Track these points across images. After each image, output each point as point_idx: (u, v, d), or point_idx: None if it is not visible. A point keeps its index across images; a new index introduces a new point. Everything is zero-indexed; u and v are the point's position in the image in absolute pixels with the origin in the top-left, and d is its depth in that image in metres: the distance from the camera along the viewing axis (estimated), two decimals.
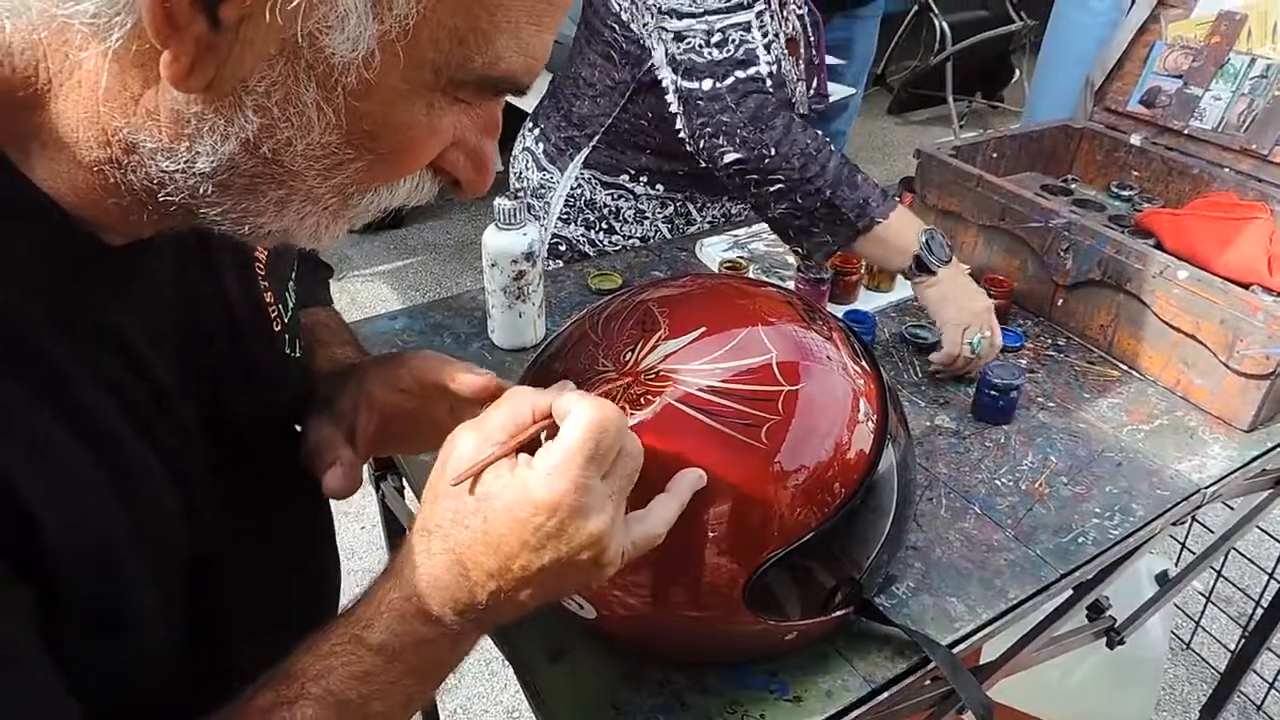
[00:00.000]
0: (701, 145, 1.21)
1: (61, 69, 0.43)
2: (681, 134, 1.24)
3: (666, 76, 1.23)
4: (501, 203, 1.08)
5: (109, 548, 0.49)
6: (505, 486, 0.53)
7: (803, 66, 1.40)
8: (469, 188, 0.53)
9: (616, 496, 0.54)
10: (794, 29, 1.38)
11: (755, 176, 1.19)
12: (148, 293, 0.54)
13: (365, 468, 1.30)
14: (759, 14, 1.23)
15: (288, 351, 0.69)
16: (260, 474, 0.65)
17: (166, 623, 0.54)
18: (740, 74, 1.18)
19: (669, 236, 1.51)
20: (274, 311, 0.68)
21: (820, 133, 1.20)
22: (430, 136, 0.48)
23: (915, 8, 4.63)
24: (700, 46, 1.18)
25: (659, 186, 1.44)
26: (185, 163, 0.45)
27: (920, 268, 1.16)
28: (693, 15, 1.18)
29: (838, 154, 1.19)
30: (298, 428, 0.70)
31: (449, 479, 0.54)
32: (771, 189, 1.19)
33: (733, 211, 1.55)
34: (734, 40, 1.18)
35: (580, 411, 0.53)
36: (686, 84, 1.20)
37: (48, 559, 0.45)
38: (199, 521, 0.57)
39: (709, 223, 1.53)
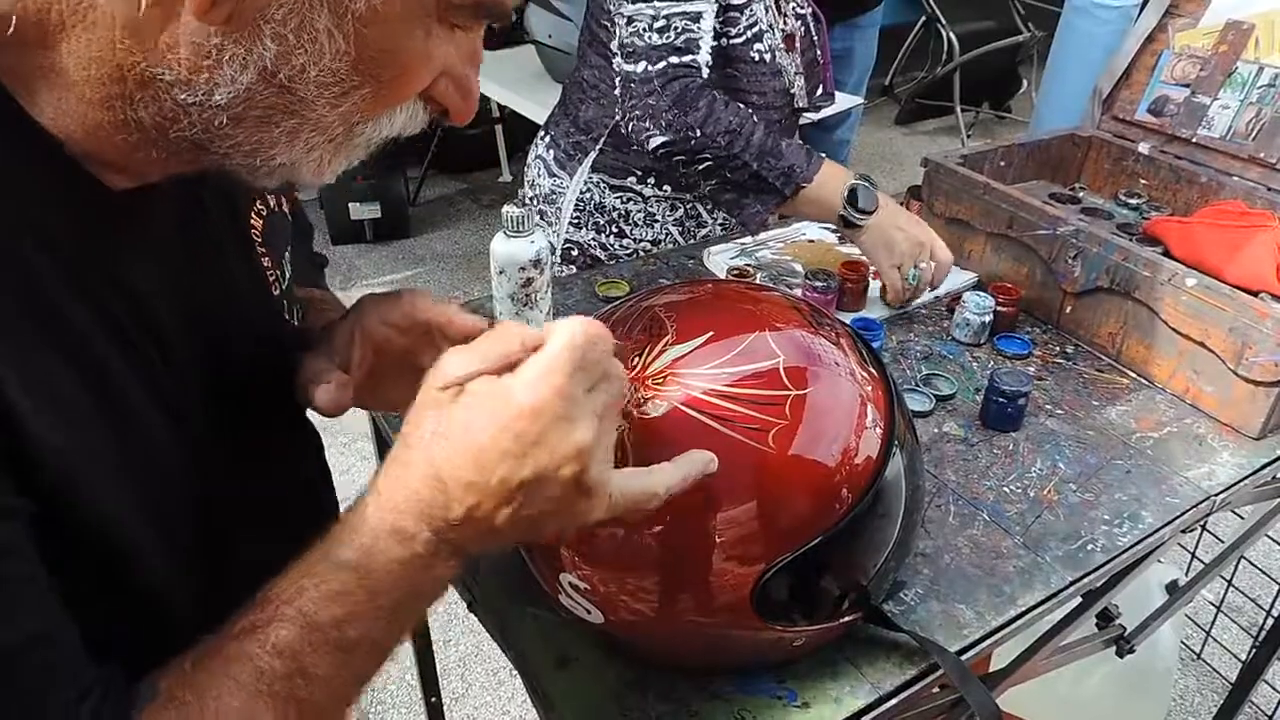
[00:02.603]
0: (630, 128, 1.26)
1: (76, 9, 0.45)
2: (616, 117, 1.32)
3: (616, 62, 1.27)
4: (509, 210, 1.09)
5: (95, 472, 0.50)
6: (488, 395, 0.51)
7: (802, 64, 1.42)
8: (456, 115, 0.57)
9: (603, 414, 0.53)
10: (793, 27, 1.41)
11: (683, 157, 1.25)
12: (150, 239, 0.56)
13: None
14: (747, 5, 1.27)
15: (286, 316, 0.71)
16: (259, 426, 0.66)
17: (164, 560, 0.55)
18: (674, 59, 1.22)
19: (680, 240, 1.51)
20: (272, 275, 0.69)
21: (743, 106, 1.25)
22: (425, 63, 0.51)
23: (923, 19, 4.63)
24: (644, 30, 1.22)
25: (666, 187, 1.45)
26: (203, 95, 0.47)
27: (846, 224, 1.25)
28: (645, 0, 1.21)
29: (761, 125, 1.24)
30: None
31: (434, 385, 0.53)
32: (700, 167, 1.26)
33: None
34: (677, 27, 1.22)
35: (566, 326, 0.52)
36: (625, 66, 1.24)
37: (34, 465, 0.46)
38: (198, 464, 0.58)
39: (720, 225, 1.54)
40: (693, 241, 1.52)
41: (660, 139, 1.23)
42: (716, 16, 1.27)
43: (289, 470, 0.72)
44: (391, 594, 0.52)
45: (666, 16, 1.21)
